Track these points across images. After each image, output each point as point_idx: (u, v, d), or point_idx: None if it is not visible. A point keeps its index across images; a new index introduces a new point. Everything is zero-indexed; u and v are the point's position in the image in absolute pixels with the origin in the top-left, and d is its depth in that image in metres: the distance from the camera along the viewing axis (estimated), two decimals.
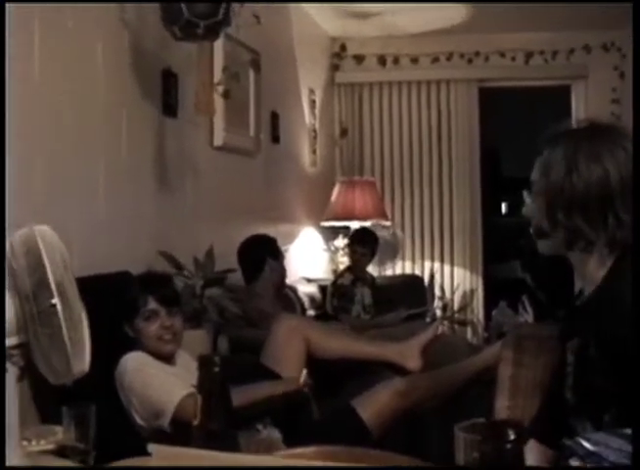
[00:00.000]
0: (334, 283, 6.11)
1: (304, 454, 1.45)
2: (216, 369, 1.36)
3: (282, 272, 5.00)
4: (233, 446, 1.36)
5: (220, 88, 4.31)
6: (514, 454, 1.06)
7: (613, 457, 1.48)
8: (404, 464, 1.35)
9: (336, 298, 5.97)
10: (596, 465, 1.45)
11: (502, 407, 2.63)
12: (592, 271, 2.05)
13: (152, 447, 1.21)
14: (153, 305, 3.22)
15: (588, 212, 2.00)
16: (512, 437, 1.02)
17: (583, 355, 2.00)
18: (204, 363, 1.38)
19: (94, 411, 2.11)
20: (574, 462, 1.48)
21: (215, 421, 1.33)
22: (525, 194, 2.17)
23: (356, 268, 6.13)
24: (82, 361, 2.15)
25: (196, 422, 1.34)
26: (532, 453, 2.17)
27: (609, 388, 1.89)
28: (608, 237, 1.99)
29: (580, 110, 7.96)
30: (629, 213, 1.97)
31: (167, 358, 3.26)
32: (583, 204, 2.01)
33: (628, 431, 1.59)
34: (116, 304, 3.22)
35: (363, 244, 6.19)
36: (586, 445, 1.49)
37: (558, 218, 2.05)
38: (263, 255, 4.85)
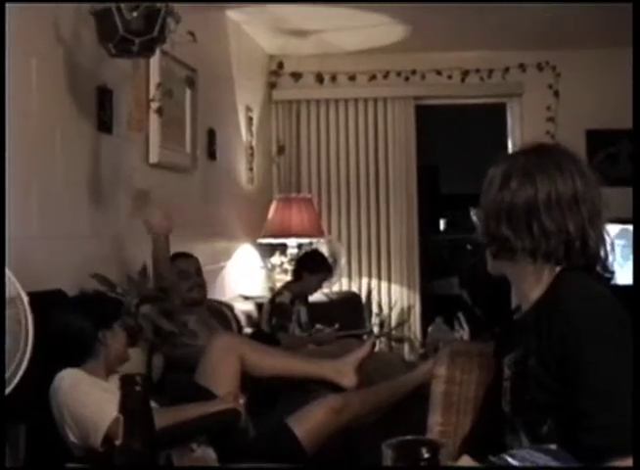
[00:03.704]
0: (272, 301, 5.96)
1: None
2: (138, 388, 1.35)
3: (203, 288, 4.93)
4: (156, 466, 1.35)
5: (154, 105, 4.30)
6: None
7: None
8: None
9: (275, 316, 5.86)
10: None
11: (434, 423, 2.64)
12: (530, 287, 2.10)
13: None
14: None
15: (513, 221, 2.06)
16: (425, 455, 1.03)
17: (521, 369, 2.03)
18: (126, 383, 1.37)
19: (24, 431, 2.09)
20: None
21: (138, 441, 1.33)
22: (471, 211, 2.21)
23: (302, 292, 6.01)
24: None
25: (118, 442, 1.34)
26: None
27: (547, 399, 1.92)
28: (532, 245, 2.03)
29: (516, 128, 8.06)
30: (555, 225, 2.01)
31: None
32: (510, 213, 2.06)
33: (553, 447, 1.61)
34: (48, 321, 3.19)
35: (312, 271, 6.07)
36: (511, 461, 1.51)
37: (490, 230, 2.09)
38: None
